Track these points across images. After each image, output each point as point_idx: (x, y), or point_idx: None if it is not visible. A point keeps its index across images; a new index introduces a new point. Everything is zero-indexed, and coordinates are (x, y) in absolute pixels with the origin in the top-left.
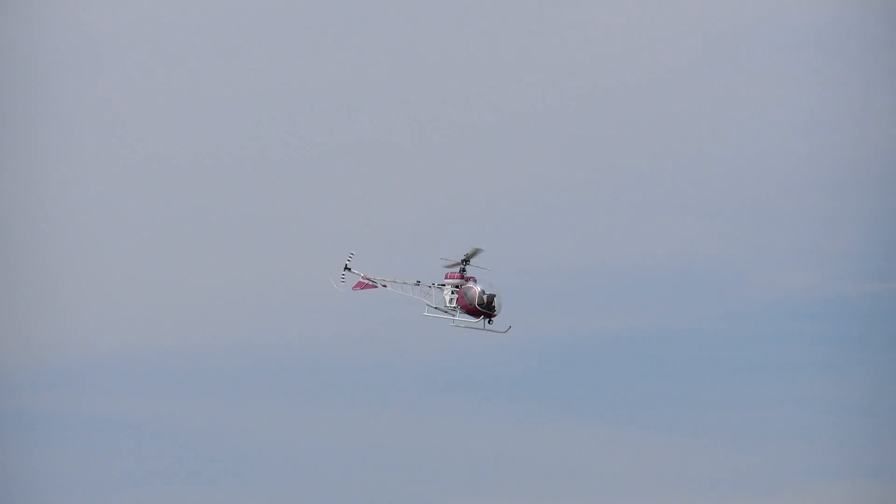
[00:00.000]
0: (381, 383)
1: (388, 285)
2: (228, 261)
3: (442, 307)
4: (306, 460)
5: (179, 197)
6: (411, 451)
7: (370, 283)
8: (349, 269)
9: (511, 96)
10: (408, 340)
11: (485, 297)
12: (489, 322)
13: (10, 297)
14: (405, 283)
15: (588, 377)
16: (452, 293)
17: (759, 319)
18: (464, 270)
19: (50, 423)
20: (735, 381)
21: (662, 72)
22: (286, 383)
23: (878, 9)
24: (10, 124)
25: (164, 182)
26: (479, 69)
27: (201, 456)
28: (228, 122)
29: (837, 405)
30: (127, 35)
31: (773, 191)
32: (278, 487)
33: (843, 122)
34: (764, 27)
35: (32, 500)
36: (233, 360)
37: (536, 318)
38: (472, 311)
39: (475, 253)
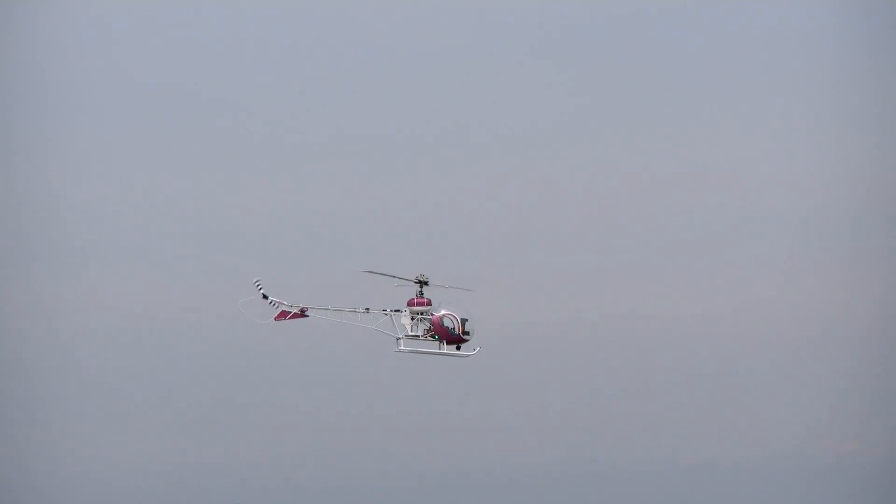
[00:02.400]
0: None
1: (317, 313)
2: None
3: (414, 338)
4: None
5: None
6: None
7: (295, 312)
8: (266, 297)
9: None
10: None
11: (465, 323)
12: (458, 348)
13: None
14: (346, 310)
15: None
16: (422, 321)
17: None
18: (421, 293)
19: None
20: None
21: None
22: None
23: None
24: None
25: None
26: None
27: None
28: None
29: None
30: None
31: None
32: None
33: None
34: None
35: None
36: None
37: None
38: (452, 339)
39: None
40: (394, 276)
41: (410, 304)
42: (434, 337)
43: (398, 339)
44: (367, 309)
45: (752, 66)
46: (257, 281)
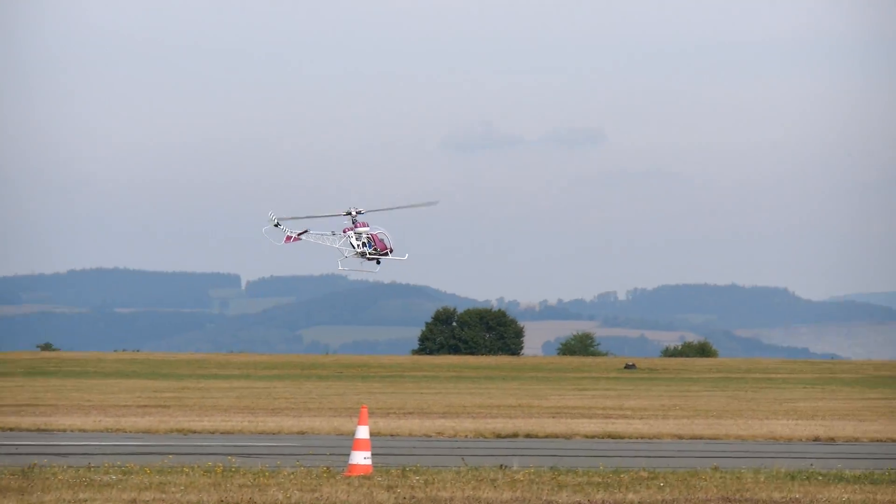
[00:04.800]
0: None
1: (310, 237)
2: None
3: (350, 256)
4: None
5: None
6: None
7: (295, 236)
8: (278, 226)
9: None
10: None
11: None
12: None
13: None
14: (323, 233)
15: None
16: (367, 240)
17: None
18: (354, 221)
19: None
20: None
21: None
22: None
23: None
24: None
25: None
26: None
27: None
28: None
29: None
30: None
31: None
32: None
33: None
34: None
35: None
36: None
37: None
38: (386, 250)
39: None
40: (330, 215)
41: (351, 228)
42: (375, 252)
43: (345, 257)
44: (333, 232)
45: None
46: (271, 213)
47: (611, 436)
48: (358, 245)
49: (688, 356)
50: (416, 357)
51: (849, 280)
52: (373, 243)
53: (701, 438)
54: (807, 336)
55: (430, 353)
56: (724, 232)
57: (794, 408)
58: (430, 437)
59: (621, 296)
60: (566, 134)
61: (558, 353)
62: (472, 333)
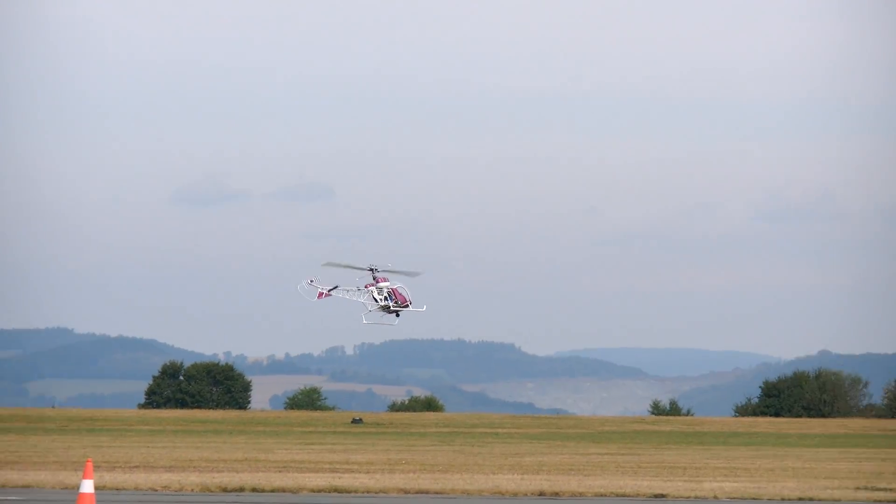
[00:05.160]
0: None
1: (338, 293)
2: None
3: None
4: None
5: None
6: None
7: (326, 292)
8: (312, 283)
9: None
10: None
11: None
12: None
13: None
14: (351, 289)
15: None
16: (388, 294)
17: None
18: (375, 277)
19: None
20: None
21: None
22: None
23: None
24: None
25: None
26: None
27: None
28: None
29: None
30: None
31: None
32: None
33: None
34: None
35: None
36: None
37: None
38: (406, 303)
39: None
40: (350, 267)
41: (373, 284)
42: (396, 305)
43: (369, 311)
44: (358, 288)
45: None
46: (311, 280)
47: (337, 490)
48: (380, 299)
49: (415, 410)
50: (143, 411)
51: (574, 336)
52: (394, 297)
53: (427, 493)
54: (533, 391)
55: (157, 406)
56: (450, 286)
57: (519, 462)
58: (156, 490)
59: (349, 350)
60: (295, 190)
61: (286, 408)
62: (199, 387)
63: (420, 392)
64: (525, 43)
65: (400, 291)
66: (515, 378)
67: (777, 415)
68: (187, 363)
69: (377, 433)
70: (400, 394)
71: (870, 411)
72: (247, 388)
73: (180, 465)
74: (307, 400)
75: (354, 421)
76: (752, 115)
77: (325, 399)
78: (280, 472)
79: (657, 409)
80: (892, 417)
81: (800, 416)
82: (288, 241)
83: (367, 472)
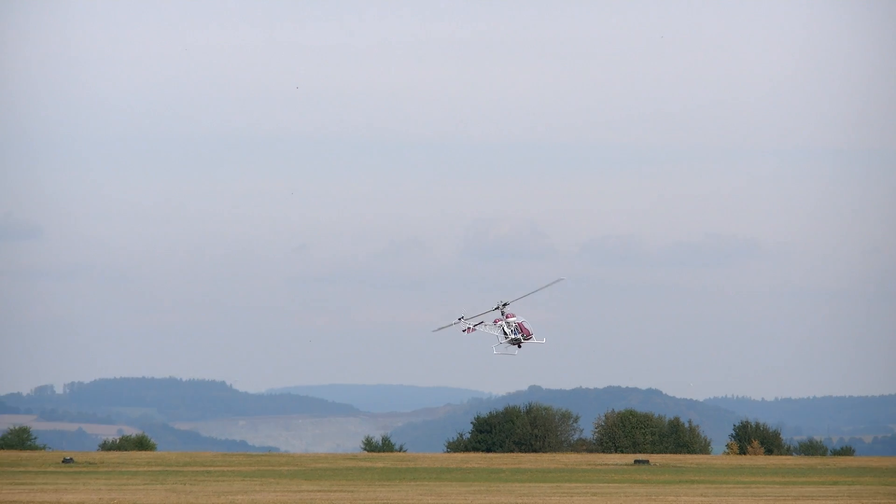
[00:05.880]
0: None
1: (479, 327)
2: None
3: (504, 342)
4: None
5: None
6: None
7: (472, 328)
8: (462, 319)
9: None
10: None
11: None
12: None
13: None
14: (487, 323)
15: None
16: (516, 327)
17: None
18: (503, 312)
19: None
20: None
21: None
22: None
23: None
24: None
25: None
26: None
27: None
28: None
29: None
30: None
31: None
32: None
33: None
34: None
35: None
36: None
37: None
38: (529, 335)
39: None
40: (484, 313)
41: (502, 319)
42: (520, 338)
43: (500, 343)
44: (494, 322)
45: None
46: (462, 317)
47: None
48: (509, 332)
49: (126, 449)
50: None
51: (286, 373)
52: (520, 330)
53: None
54: (245, 428)
55: None
56: (161, 324)
57: (232, 501)
58: None
59: (59, 389)
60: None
61: None
62: None
63: (131, 431)
64: None
65: (525, 325)
66: (228, 416)
67: (489, 450)
68: None
69: (89, 472)
70: (111, 432)
71: (581, 445)
72: None
73: None
74: (17, 440)
75: (65, 461)
76: (479, 153)
77: (34, 439)
78: None
79: (370, 446)
80: (603, 451)
81: (512, 450)
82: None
83: None
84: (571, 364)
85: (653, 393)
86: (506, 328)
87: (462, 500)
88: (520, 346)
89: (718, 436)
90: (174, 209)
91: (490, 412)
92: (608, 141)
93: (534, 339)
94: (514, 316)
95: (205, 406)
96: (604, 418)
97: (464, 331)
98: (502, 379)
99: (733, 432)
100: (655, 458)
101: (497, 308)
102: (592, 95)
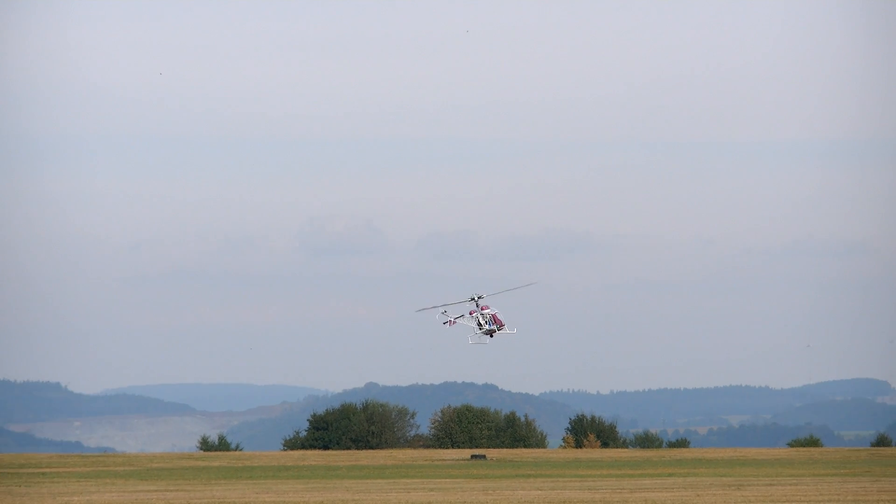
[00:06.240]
0: None
1: (459, 320)
2: None
3: (479, 333)
4: None
5: None
6: None
7: (454, 320)
8: (445, 313)
9: None
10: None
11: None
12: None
13: None
14: (466, 315)
15: None
16: (489, 319)
17: None
18: (477, 304)
19: None
20: None
21: None
22: None
23: None
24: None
25: None
26: None
27: None
28: None
29: None
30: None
31: None
32: None
33: None
34: None
35: None
36: None
37: None
38: (502, 325)
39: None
40: (460, 302)
41: (477, 311)
42: (494, 328)
43: (475, 334)
44: (471, 313)
45: None
46: (445, 310)
47: None
48: (484, 323)
49: None
50: None
51: (121, 373)
52: (494, 321)
53: None
54: (80, 429)
55: None
56: None
57: (68, 501)
58: None
59: None
60: None
61: None
62: None
63: None
64: None
65: (498, 317)
66: (63, 417)
67: (326, 447)
68: None
69: None
70: None
71: (418, 441)
72: None
73: None
74: None
75: None
76: (313, 150)
77: None
78: None
79: (206, 445)
80: (440, 447)
81: (349, 447)
82: None
83: None
84: (408, 360)
85: (489, 388)
86: (481, 319)
87: (299, 498)
88: (492, 336)
89: (555, 430)
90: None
91: (326, 409)
92: (441, 137)
93: (506, 330)
94: (488, 308)
95: (39, 407)
96: (440, 414)
97: (444, 323)
98: (339, 376)
99: (569, 426)
100: (492, 453)
101: (472, 300)
102: (423, 91)
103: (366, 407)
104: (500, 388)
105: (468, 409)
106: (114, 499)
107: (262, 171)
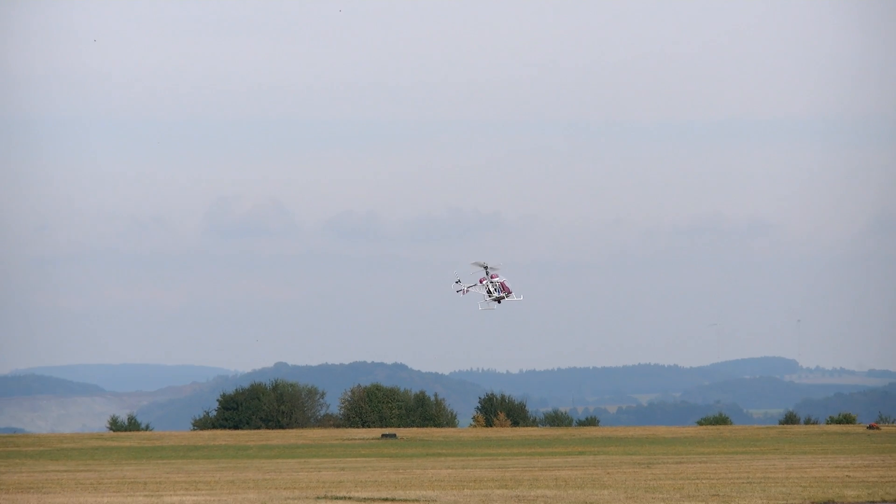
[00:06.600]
0: None
1: (472, 289)
2: None
3: (488, 300)
4: None
5: None
6: None
7: (467, 289)
8: (458, 282)
9: None
10: None
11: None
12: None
13: None
14: (478, 284)
15: None
16: (499, 286)
17: None
18: (487, 272)
19: None
20: None
21: None
22: None
23: None
24: None
25: None
26: None
27: None
28: None
29: None
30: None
31: None
32: None
33: None
34: None
35: None
36: None
37: None
38: (509, 293)
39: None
40: (478, 265)
41: (486, 278)
42: (503, 296)
43: (485, 300)
44: (481, 281)
45: None
46: (458, 280)
47: None
48: (493, 290)
49: None
50: None
51: (29, 353)
52: (502, 289)
53: None
54: None
55: None
56: None
57: None
58: None
59: None
60: None
61: None
62: None
63: None
64: None
65: (506, 284)
66: None
67: (236, 427)
68: None
69: None
70: None
71: (328, 421)
72: None
73: None
74: None
75: None
76: (220, 130)
77: None
78: None
79: (115, 425)
80: (351, 426)
81: (259, 427)
82: None
83: None
84: (317, 340)
85: (399, 367)
86: (490, 287)
87: (210, 478)
88: (499, 303)
89: (465, 409)
90: None
91: (236, 389)
92: (348, 117)
93: (513, 297)
94: (497, 276)
95: None
96: (350, 393)
97: (458, 292)
98: (248, 356)
99: (479, 405)
100: (402, 432)
101: (483, 268)
102: (330, 71)
103: (275, 387)
104: (409, 367)
105: (378, 388)
106: (23, 479)
107: (169, 150)
